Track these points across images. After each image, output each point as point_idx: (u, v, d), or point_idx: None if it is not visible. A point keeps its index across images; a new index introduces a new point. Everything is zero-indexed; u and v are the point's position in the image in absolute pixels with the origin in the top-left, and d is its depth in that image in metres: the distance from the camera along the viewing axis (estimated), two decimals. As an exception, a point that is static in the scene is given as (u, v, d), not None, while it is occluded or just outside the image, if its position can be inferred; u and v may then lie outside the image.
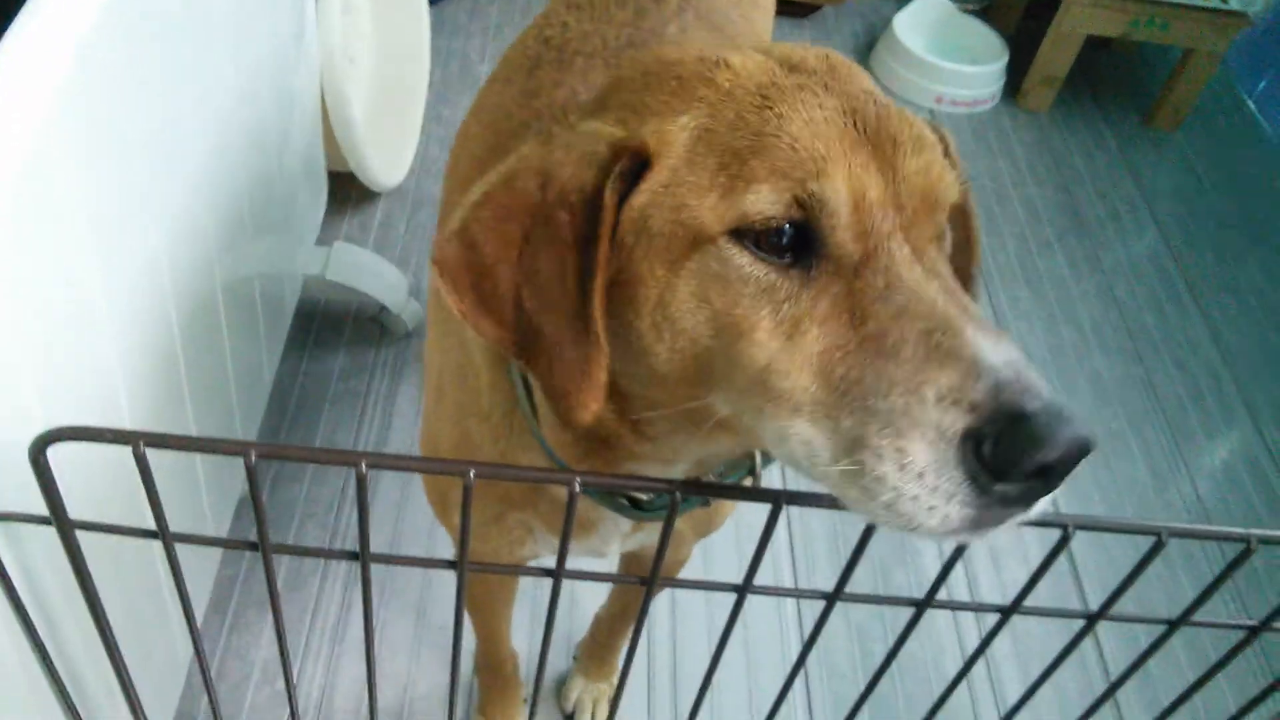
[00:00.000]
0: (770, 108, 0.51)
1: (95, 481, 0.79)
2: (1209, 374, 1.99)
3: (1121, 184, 2.40)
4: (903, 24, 2.51)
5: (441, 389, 0.84)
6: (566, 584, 1.40)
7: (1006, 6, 2.74)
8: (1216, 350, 2.04)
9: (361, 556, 0.57)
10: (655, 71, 0.56)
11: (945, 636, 1.46)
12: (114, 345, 0.83)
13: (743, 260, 0.51)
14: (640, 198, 0.53)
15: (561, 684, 1.35)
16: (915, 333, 0.47)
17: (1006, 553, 1.59)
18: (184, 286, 0.99)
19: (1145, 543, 0.56)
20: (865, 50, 2.61)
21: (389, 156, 1.91)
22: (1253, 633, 0.65)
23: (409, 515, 1.47)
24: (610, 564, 1.16)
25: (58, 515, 0.54)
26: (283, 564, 1.38)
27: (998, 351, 0.46)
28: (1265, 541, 0.58)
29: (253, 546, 0.58)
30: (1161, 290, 2.15)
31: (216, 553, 1.27)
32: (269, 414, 1.43)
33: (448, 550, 1.43)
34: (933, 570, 1.54)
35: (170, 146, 0.92)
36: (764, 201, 0.50)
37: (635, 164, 0.53)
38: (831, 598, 0.62)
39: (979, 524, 0.46)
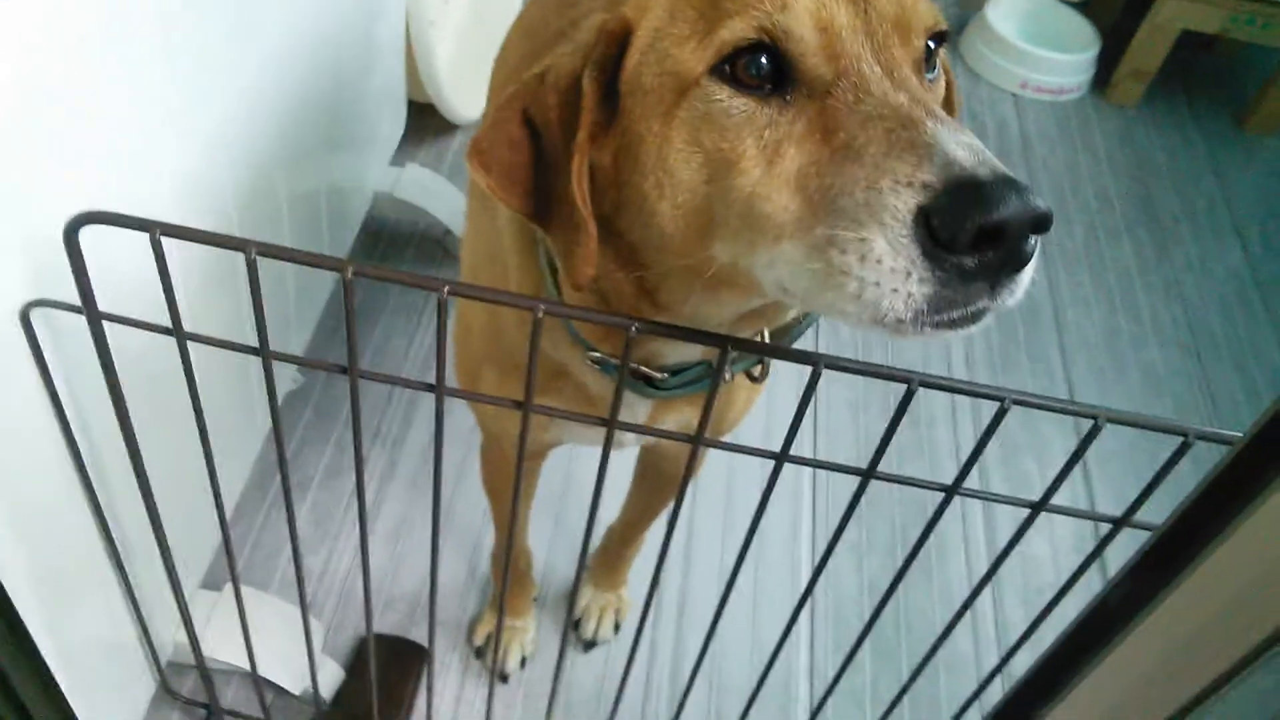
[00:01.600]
0: None
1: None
2: (1270, 380, 1.95)
3: (1203, 184, 2.35)
4: (996, 8, 2.49)
5: (475, 275, 0.91)
6: (580, 497, 1.45)
7: (1108, 0, 2.69)
8: (1282, 358, 1.99)
9: (438, 388, 0.63)
10: None
11: (956, 586, 1.48)
12: (174, 213, 0.91)
13: (723, 94, 0.55)
14: (630, 60, 0.59)
15: (570, 593, 1.41)
16: (879, 133, 0.50)
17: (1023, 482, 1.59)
18: (260, 187, 1.06)
19: (1159, 460, 0.56)
20: (956, 32, 2.60)
21: (468, 91, 1.97)
22: None
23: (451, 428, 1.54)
24: (628, 467, 1.21)
25: (87, 302, 0.62)
26: (325, 454, 1.47)
27: (955, 139, 0.48)
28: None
29: (342, 369, 0.64)
30: (1231, 293, 2.11)
31: (260, 430, 1.35)
32: (325, 316, 1.52)
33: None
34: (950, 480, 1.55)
35: (267, 54, 0.99)
36: (735, 32, 0.54)
37: (618, 40, 0.59)
38: (866, 474, 0.65)
39: (946, 305, 0.48)
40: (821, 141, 0.52)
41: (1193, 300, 2.07)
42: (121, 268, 0.70)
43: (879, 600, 0.74)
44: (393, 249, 1.78)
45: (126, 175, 0.81)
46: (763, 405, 1.43)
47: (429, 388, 0.64)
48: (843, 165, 0.50)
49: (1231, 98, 2.61)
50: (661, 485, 1.17)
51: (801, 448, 1.61)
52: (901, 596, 1.47)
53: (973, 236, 0.46)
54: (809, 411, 1.71)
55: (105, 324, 0.64)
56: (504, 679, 1.31)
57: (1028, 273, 0.49)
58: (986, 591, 1.48)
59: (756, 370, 0.76)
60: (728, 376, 0.69)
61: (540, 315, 0.58)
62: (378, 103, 1.53)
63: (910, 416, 1.75)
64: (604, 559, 1.36)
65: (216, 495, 0.78)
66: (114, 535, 0.89)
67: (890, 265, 0.48)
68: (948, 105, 0.66)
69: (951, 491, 0.66)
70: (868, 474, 0.65)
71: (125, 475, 0.78)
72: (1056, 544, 1.57)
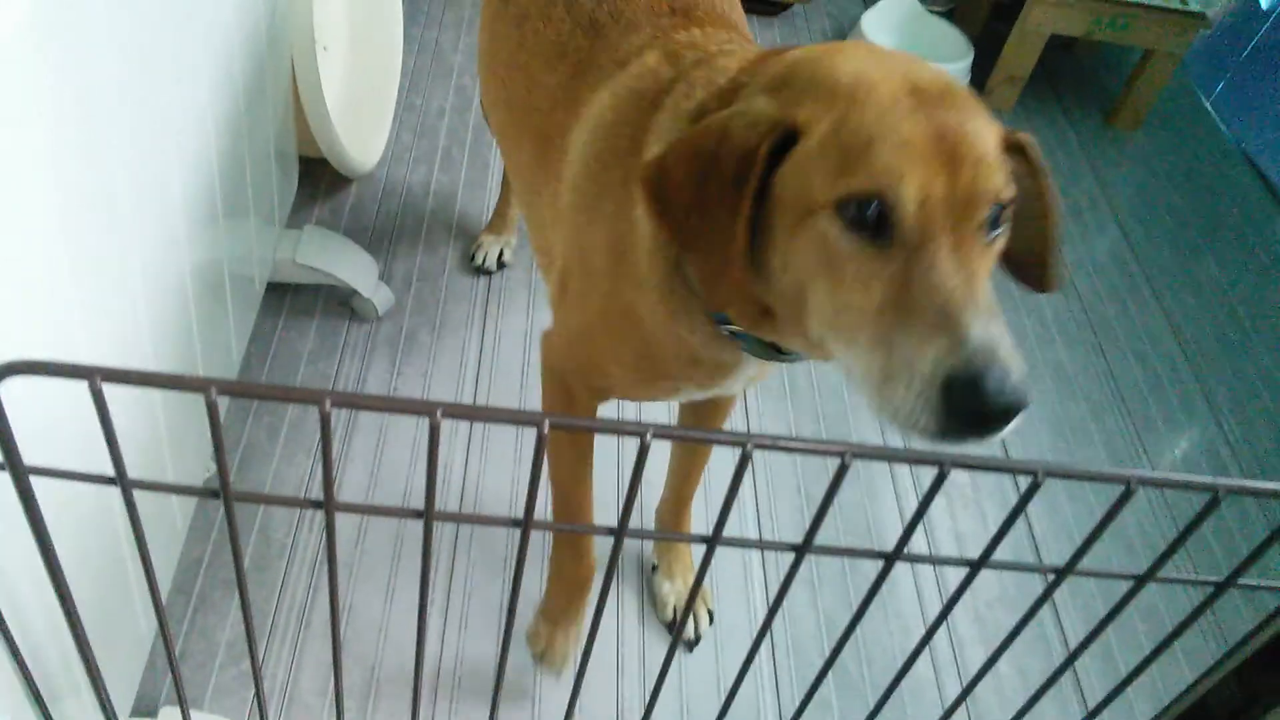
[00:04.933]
0: (885, 122, 0.69)
1: (58, 442, 0.79)
2: (1169, 366, 2.03)
3: (1083, 181, 2.44)
4: (870, 23, 2.54)
5: (590, 271, 1.00)
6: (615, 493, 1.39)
7: (973, 7, 2.78)
8: (1176, 343, 2.08)
9: (326, 504, 0.57)
10: (820, 77, 0.75)
11: (910, 617, 1.48)
12: (77, 318, 0.83)
13: (838, 230, 0.70)
14: (786, 166, 0.73)
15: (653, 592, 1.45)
16: (936, 304, 0.67)
17: (969, 532, 1.61)
18: (150, 265, 0.98)
19: (1102, 511, 0.58)
20: (834, 48, 2.64)
21: (362, 143, 1.90)
22: (1219, 588, 0.66)
23: (380, 488, 1.47)
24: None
25: (11, 458, 0.54)
26: (248, 545, 1.37)
27: (984, 332, 0.65)
28: (1232, 491, 0.59)
29: (214, 494, 0.58)
30: (1122, 285, 2.19)
31: (181, 534, 1.26)
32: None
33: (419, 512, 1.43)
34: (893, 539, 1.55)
35: (138, 120, 0.92)
36: (859, 184, 0.69)
37: (785, 137, 0.73)
38: (801, 549, 0.63)
39: (947, 434, 0.66)
40: (900, 289, 0.68)
41: (1089, 296, 2.14)
42: (39, 408, 0.62)
43: (838, 638, 0.73)
44: (297, 314, 1.69)
45: (25, 304, 0.73)
46: (704, 478, 1.49)
47: (315, 505, 0.58)
48: (905, 318, 0.67)
49: (1098, 96, 2.72)
50: (709, 421, 1.31)
51: (744, 505, 1.59)
52: (858, 629, 1.46)
53: (968, 413, 0.65)
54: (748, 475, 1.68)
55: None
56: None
57: (1010, 425, 0.66)
58: (935, 607, 1.48)
59: None
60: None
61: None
62: (270, 162, 1.45)
63: (852, 472, 1.75)
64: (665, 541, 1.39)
65: (163, 624, 0.71)
66: (34, 679, 0.80)
67: (921, 403, 0.66)
68: (1042, 208, 0.81)
69: (892, 559, 0.65)
70: (802, 549, 0.63)
71: (45, 610, 0.70)
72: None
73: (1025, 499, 0.60)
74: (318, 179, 1.88)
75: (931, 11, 2.65)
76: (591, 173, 0.98)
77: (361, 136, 1.92)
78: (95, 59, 0.79)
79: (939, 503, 1.66)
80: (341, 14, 1.99)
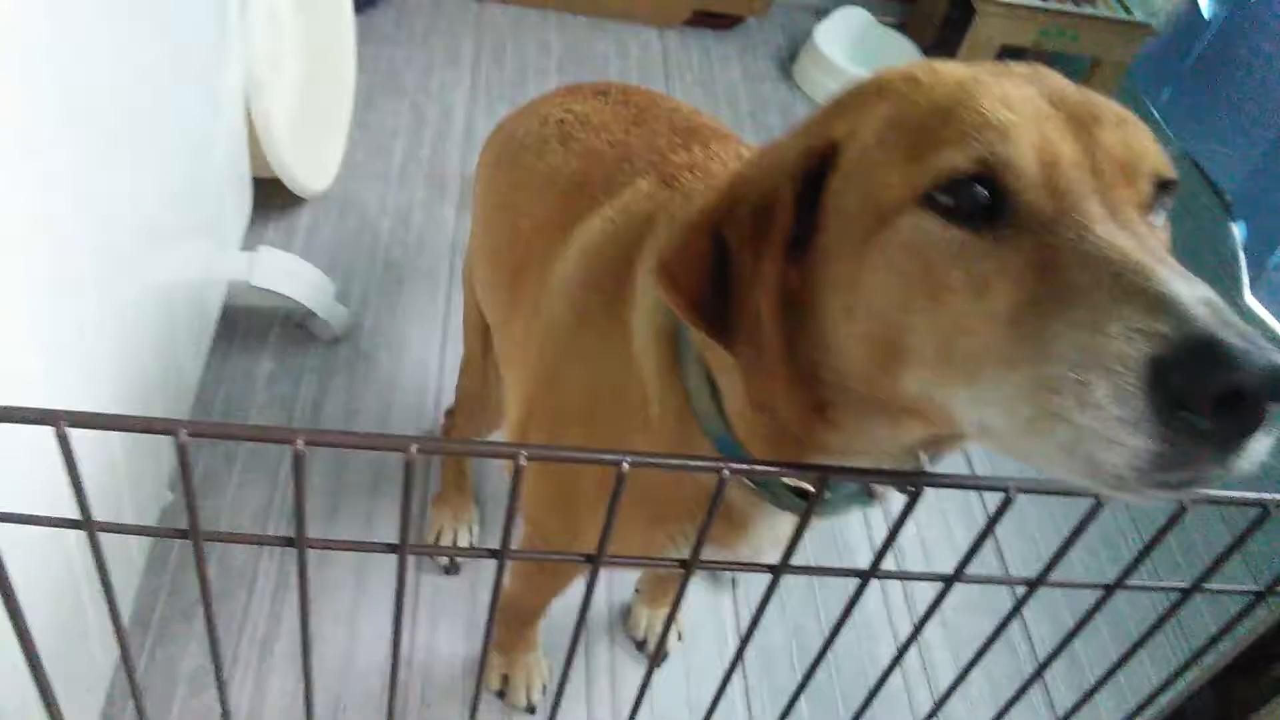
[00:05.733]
0: (966, 90, 0.52)
1: (14, 475, 0.77)
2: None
3: (1036, 189, 2.48)
4: (823, 35, 2.56)
5: (565, 416, 0.86)
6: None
7: (924, 19, 2.81)
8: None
9: (298, 541, 0.56)
10: (854, 90, 0.60)
11: (879, 627, 1.49)
12: (27, 344, 0.80)
13: (933, 225, 0.51)
14: (834, 182, 0.56)
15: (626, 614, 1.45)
16: (1104, 276, 0.45)
17: (936, 544, 1.62)
18: (103, 291, 0.96)
19: (1069, 523, 0.58)
20: (788, 61, 2.66)
21: (315, 162, 1.88)
22: (1185, 594, 0.67)
23: (344, 516, 1.45)
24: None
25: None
26: (211, 572, 1.34)
27: (1191, 289, 0.44)
28: (1198, 501, 0.60)
29: (182, 534, 0.56)
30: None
31: (139, 564, 1.23)
32: (236, 412, 1.39)
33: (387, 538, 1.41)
34: (866, 562, 1.56)
35: (88, 144, 0.90)
36: (951, 161, 0.50)
37: (821, 162, 0.57)
38: (778, 570, 0.62)
39: (1170, 465, 0.43)
40: (1038, 279, 0.48)
41: (1043, 302, 2.17)
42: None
43: (809, 650, 0.73)
44: (252, 337, 1.66)
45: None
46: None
47: (287, 542, 0.57)
48: (1062, 305, 0.46)
49: (1046, 104, 2.77)
50: None
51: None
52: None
53: (1213, 398, 0.41)
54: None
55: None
56: (531, 710, 1.31)
57: (1266, 439, 0.43)
58: (904, 619, 1.49)
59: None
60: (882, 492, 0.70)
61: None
62: (222, 183, 1.43)
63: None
64: (655, 577, 1.35)
65: (126, 661, 0.69)
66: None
67: (1115, 413, 0.43)
68: None
69: (867, 577, 0.65)
70: (779, 570, 0.63)
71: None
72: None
73: (997, 516, 0.60)
74: (271, 199, 1.85)
75: (884, 23, 2.68)
76: (573, 301, 0.85)
77: (315, 156, 1.90)
78: (37, 76, 0.77)
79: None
80: (294, 32, 1.97)
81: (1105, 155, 0.51)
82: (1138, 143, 0.52)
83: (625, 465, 0.52)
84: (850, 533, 1.59)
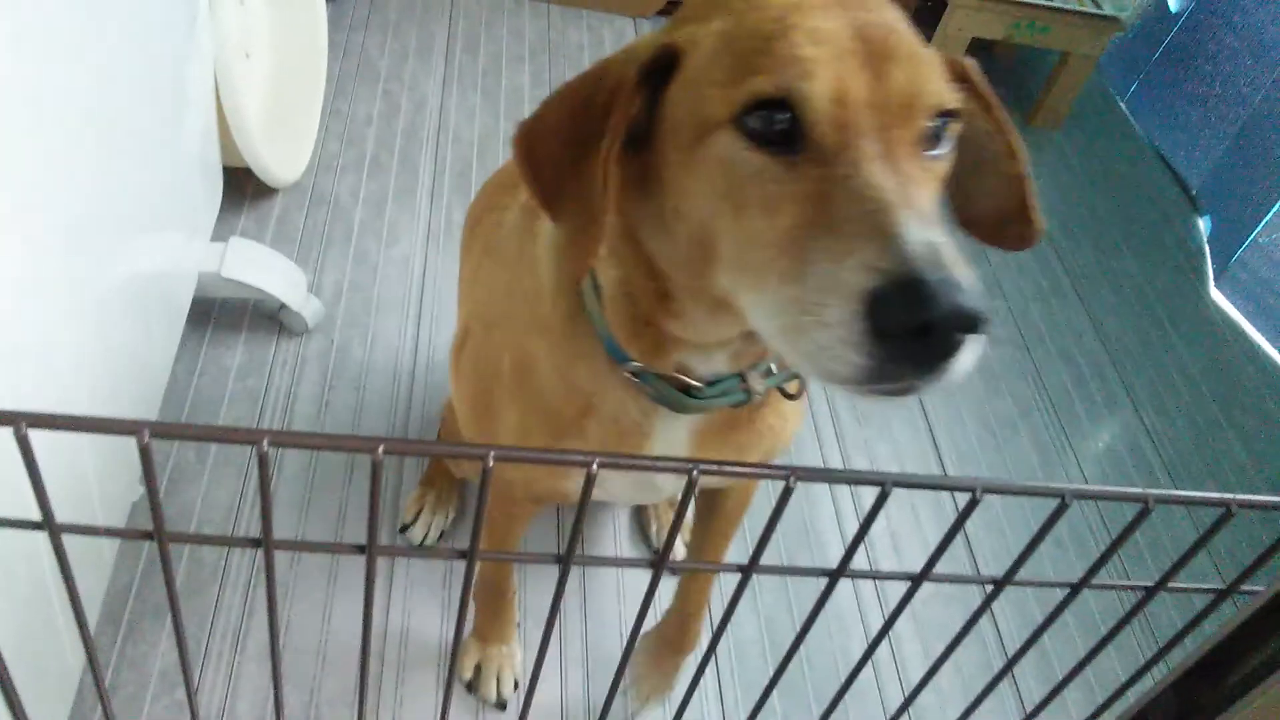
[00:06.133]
0: (786, 19, 0.58)
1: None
2: (1091, 362, 2.08)
3: (1007, 181, 2.50)
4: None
5: (490, 319, 0.93)
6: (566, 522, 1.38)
7: (896, 10, 2.82)
8: (1098, 339, 2.14)
9: (265, 542, 0.56)
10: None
11: (850, 620, 1.50)
12: (-4, 338, 0.80)
13: (740, 145, 0.57)
14: (671, 90, 0.62)
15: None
16: (858, 213, 0.53)
17: (906, 537, 1.64)
18: (70, 284, 0.95)
19: (1036, 520, 0.59)
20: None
21: (286, 152, 1.87)
22: (1149, 592, 0.68)
23: (316, 509, 1.44)
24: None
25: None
26: (180, 569, 1.34)
27: (920, 233, 0.51)
28: (1161, 501, 0.61)
29: (148, 536, 0.56)
30: (1046, 283, 2.24)
31: (109, 563, 1.22)
32: (163, 415, 1.39)
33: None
34: (837, 556, 1.57)
35: (53, 134, 0.89)
36: (758, 88, 0.56)
37: (666, 60, 0.62)
38: (747, 570, 0.63)
39: (881, 377, 0.52)
40: (813, 207, 0.55)
41: (1013, 295, 2.19)
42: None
43: (780, 644, 0.73)
44: (224, 329, 1.65)
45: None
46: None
47: (254, 543, 0.57)
48: (823, 234, 0.54)
49: (1018, 97, 2.79)
50: (719, 527, 1.17)
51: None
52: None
53: (908, 329, 0.50)
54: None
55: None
56: (502, 706, 1.31)
57: (963, 360, 0.52)
58: (875, 612, 1.51)
59: (791, 387, 0.81)
60: (759, 389, 0.78)
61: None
62: (192, 173, 1.41)
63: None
64: (664, 633, 1.28)
65: (92, 662, 0.68)
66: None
67: (840, 335, 0.52)
68: (1003, 146, 0.72)
69: (836, 576, 0.66)
70: (748, 569, 0.64)
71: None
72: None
73: (964, 516, 0.61)
74: (242, 189, 1.83)
75: (857, 15, 2.69)
76: (505, 220, 0.94)
77: (286, 145, 1.88)
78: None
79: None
80: (264, 20, 1.95)
81: (891, 92, 0.56)
82: (922, 79, 0.58)
83: (594, 467, 0.53)
84: (821, 523, 1.60)
